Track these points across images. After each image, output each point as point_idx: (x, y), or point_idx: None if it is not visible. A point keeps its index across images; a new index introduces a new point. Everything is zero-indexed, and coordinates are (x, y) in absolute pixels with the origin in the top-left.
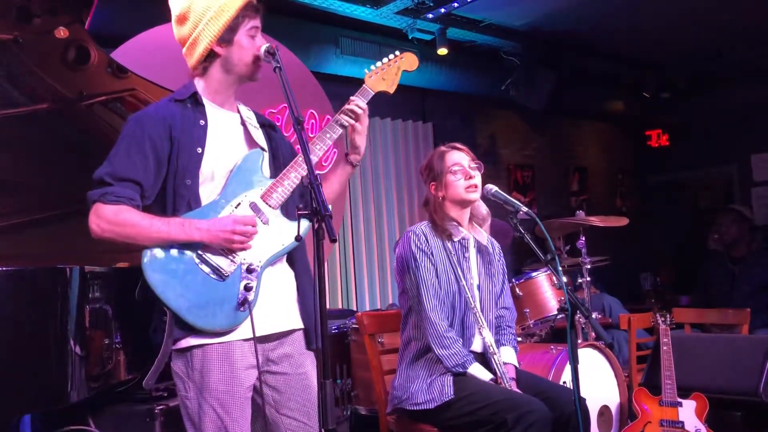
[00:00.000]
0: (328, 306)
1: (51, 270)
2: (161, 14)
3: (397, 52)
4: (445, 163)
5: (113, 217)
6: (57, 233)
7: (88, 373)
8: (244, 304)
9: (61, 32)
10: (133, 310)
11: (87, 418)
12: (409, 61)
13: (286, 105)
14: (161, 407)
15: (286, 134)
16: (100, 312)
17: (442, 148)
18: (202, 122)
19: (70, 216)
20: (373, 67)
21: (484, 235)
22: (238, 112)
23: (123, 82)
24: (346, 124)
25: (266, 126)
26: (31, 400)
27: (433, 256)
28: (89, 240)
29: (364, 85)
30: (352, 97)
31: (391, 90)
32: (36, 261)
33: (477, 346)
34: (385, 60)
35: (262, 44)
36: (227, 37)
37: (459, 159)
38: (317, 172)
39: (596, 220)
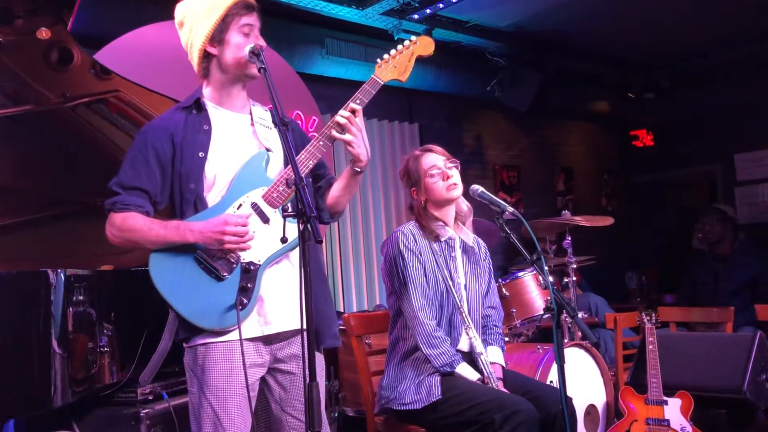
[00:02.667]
0: None
1: (34, 273)
2: (145, 15)
3: (413, 38)
4: (421, 166)
5: (121, 225)
6: (41, 236)
7: (72, 377)
8: (242, 304)
9: (44, 33)
10: (118, 313)
11: (71, 422)
12: (423, 44)
13: (271, 106)
14: (146, 411)
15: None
16: (84, 315)
17: (416, 152)
18: (205, 127)
19: (54, 219)
20: (385, 56)
21: (469, 235)
22: (250, 113)
23: (106, 84)
24: (336, 136)
25: (282, 125)
26: (14, 404)
27: (421, 255)
28: (74, 242)
29: (373, 76)
30: (340, 111)
31: (404, 78)
32: (20, 264)
33: (464, 345)
34: (399, 47)
35: (259, 42)
36: (219, 36)
37: (434, 161)
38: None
39: (582, 220)
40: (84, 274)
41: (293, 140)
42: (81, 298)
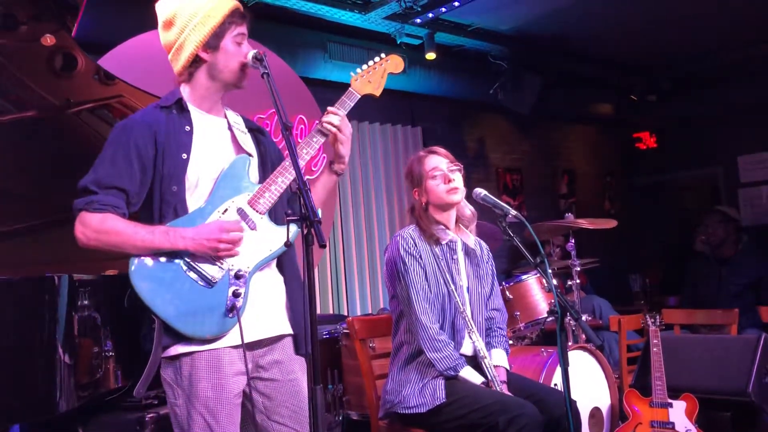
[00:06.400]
0: (318, 311)
1: (39, 279)
2: (148, 21)
3: (383, 55)
4: (424, 168)
5: (98, 226)
6: (45, 241)
7: (77, 382)
8: (233, 311)
9: (48, 39)
10: (123, 317)
11: (76, 427)
12: (394, 63)
13: (274, 111)
14: (152, 415)
15: (275, 139)
16: (88, 320)
17: (421, 153)
18: (187, 128)
19: (58, 224)
20: (359, 69)
21: (471, 238)
22: (225, 117)
23: (110, 89)
24: (327, 133)
25: (254, 130)
26: (18, 410)
27: (421, 259)
28: (77, 248)
29: (350, 88)
30: (329, 108)
31: (377, 93)
32: (23, 269)
33: (467, 349)
34: (370, 63)
35: (249, 51)
36: (213, 42)
37: (437, 163)
38: (306, 177)
39: (585, 223)
40: (89, 278)
41: (267, 147)
42: (86, 302)
